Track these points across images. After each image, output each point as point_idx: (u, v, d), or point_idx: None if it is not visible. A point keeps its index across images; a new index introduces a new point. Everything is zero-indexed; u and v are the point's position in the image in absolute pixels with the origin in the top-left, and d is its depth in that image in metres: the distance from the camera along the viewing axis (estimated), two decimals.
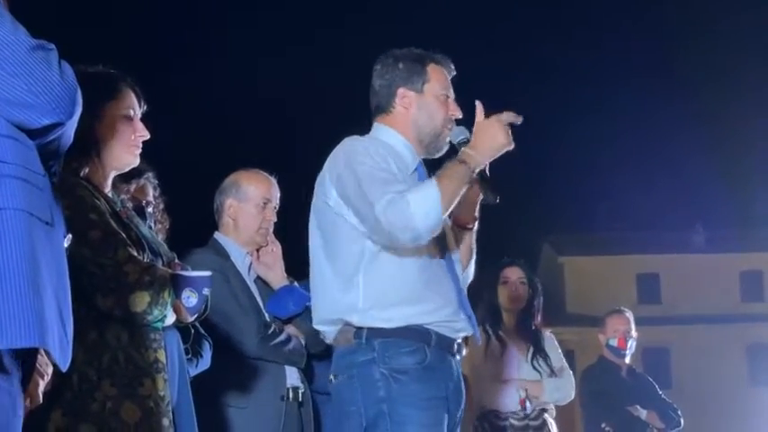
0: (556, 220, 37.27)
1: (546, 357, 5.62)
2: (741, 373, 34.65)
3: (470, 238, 3.63)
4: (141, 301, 2.79)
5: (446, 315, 3.37)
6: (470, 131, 3.39)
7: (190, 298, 2.91)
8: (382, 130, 3.51)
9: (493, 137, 3.29)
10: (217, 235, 4.33)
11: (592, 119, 40.49)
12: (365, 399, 3.31)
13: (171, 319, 2.90)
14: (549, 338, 5.78)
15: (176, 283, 2.88)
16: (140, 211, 3.69)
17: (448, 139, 3.48)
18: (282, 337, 4.07)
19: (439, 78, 3.51)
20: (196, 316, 3.00)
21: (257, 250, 4.27)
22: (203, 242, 4.44)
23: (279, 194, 4.30)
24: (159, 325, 2.88)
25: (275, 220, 4.26)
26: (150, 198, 3.77)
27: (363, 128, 3.62)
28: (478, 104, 3.39)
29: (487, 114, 3.38)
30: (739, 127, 36.71)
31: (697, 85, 39.08)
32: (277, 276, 4.23)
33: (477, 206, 3.57)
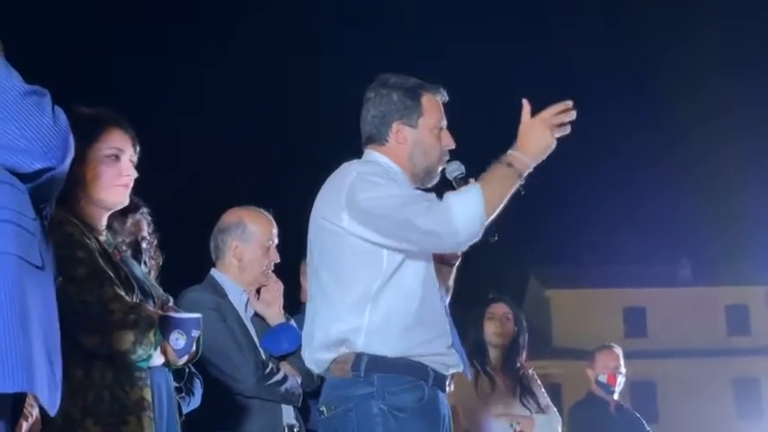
0: (543, 253, 37.30)
1: (533, 395, 5.64)
2: (727, 406, 34.62)
3: (451, 275, 3.61)
4: (125, 340, 2.78)
5: (442, 348, 3.32)
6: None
7: (178, 340, 2.90)
8: (377, 157, 3.45)
9: (538, 137, 3.22)
10: (214, 272, 4.30)
11: (579, 152, 40.58)
12: None
13: (158, 360, 2.89)
14: (533, 376, 5.80)
15: (165, 325, 2.87)
16: (135, 246, 3.69)
17: (440, 169, 3.45)
18: (279, 376, 4.06)
19: (433, 110, 3.45)
20: (186, 358, 2.98)
21: (258, 290, 4.26)
22: (194, 278, 4.44)
23: (277, 232, 4.30)
24: (144, 364, 2.86)
25: (278, 260, 4.25)
26: (145, 234, 3.77)
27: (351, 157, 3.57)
28: (525, 104, 3.28)
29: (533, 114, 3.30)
30: (725, 162, 36.89)
31: (684, 121, 39.25)
32: (275, 314, 4.22)
33: None
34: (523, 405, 5.58)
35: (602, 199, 39.43)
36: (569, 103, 3.26)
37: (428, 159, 3.43)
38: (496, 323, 5.73)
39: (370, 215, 3.23)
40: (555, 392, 30.36)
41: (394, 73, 3.52)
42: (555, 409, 5.75)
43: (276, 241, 4.26)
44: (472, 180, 3.33)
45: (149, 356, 2.85)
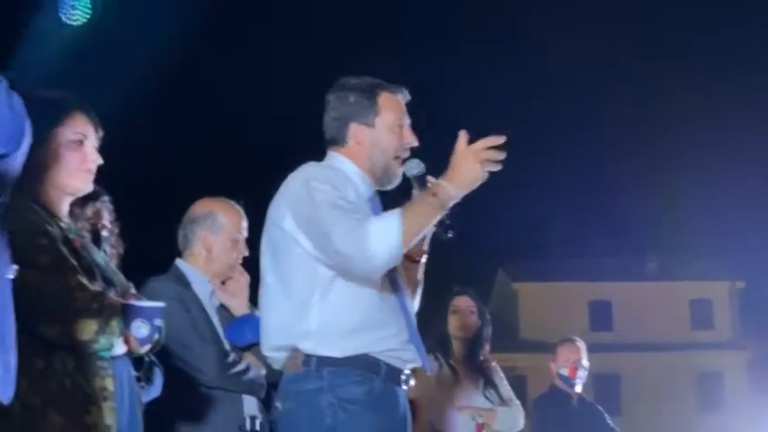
0: (510, 246, 37.42)
1: (496, 387, 5.67)
2: (690, 400, 34.92)
3: (418, 271, 3.61)
4: (88, 329, 2.76)
5: (397, 344, 3.35)
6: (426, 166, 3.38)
7: (140, 329, 2.87)
8: (337, 159, 3.48)
9: (467, 170, 3.18)
10: (179, 262, 4.27)
11: (548, 145, 40.77)
12: (312, 428, 3.29)
13: (120, 349, 2.87)
14: (496, 369, 5.83)
15: (127, 313, 2.85)
16: (96, 235, 3.67)
17: (401, 169, 3.45)
18: (242, 366, 4.03)
19: (392, 108, 3.46)
20: (149, 347, 2.96)
21: (223, 282, 4.24)
22: (159, 268, 4.42)
23: (247, 225, 4.28)
24: (107, 354, 2.84)
25: (247, 253, 4.23)
26: (106, 222, 3.73)
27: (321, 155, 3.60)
28: (462, 134, 3.25)
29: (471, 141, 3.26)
30: (693, 158, 37.13)
31: (652, 115, 39.48)
32: (240, 305, 4.20)
33: (427, 239, 3.53)
34: (486, 398, 5.62)
35: (570, 193, 39.67)
36: (503, 138, 3.23)
37: (387, 158, 3.44)
38: (460, 316, 5.75)
39: (306, 222, 3.29)
40: (520, 385, 30.39)
41: (358, 75, 3.54)
42: (518, 402, 5.78)
43: (246, 234, 4.23)
44: (431, 178, 3.34)
45: (112, 346, 2.84)
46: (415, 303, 3.66)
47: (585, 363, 6.80)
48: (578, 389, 6.81)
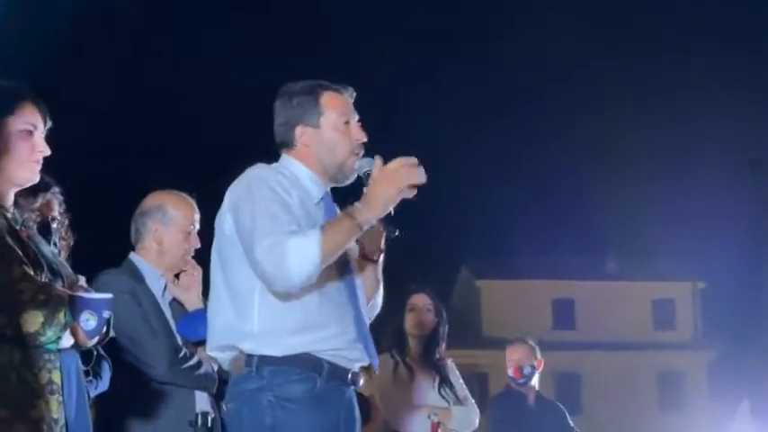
0: (474, 243, 37.53)
1: (451, 386, 5.68)
2: (651, 399, 35.16)
3: (375, 270, 3.60)
4: (34, 320, 2.71)
5: (341, 343, 3.35)
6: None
7: (89, 321, 2.83)
8: (289, 162, 3.51)
9: (382, 192, 3.23)
10: (132, 256, 4.25)
11: (510, 146, 40.89)
12: (253, 427, 3.31)
13: (68, 341, 2.82)
14: (452, 367, 5.83)
15: (74, 305, 2.80)
16: (45, 227, 3.62)
17: (354, 164, 3.46)
18: (193, 361, 4.01)
19: (335, 106, 3.49)
20: (96, 339, 2.92)
21: (176, 275, 4.22)
22: (112, 261, 4.38)
23: (199, 217, 4.26)
24: (53, 346, 2.80)
25: (199, 245, 4.21)
26: (56, 214, 3.71)
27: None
28: (377, 159, 3.32)
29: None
30: (654, 157, 37.38)
31: (614, 116, 39.69)
32: (193, 299, 4.18)
33: (383, 238, 3.54)
34: (441, 396, 5.63)
35: (533, 191, 39.82)
36: (414, 160, 3.26)
37: (335, 156, 3.46)
38: (417, 314, 5.76)
39: (240, 227, 3.34)
40: (482, 382, 30.47)
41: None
42: (473, 401, 5.79)
43: (198, 227, 4.22)
44: None
45: (59, 338, 2.80)
46: (377, 302, 3.67)
47: (535, 361, 6.83)
48: (534, 386, 6.84)
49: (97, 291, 4.09)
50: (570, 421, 6.98)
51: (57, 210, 3.71)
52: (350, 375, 3.40)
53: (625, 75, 42.08)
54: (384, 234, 3.52)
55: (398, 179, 3.23)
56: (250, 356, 3.33)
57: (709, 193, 33.05)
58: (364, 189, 3.41)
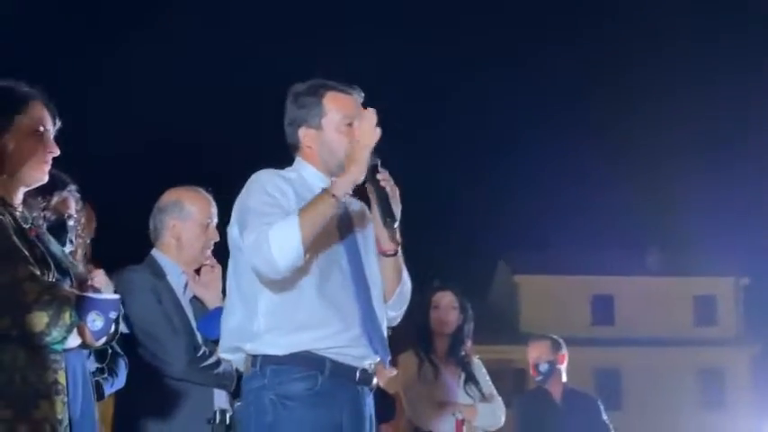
0: (512, 238, 37.36)
1: (477, 383, 5.65)
2: (692, 396, 34.84)
3: (394, 265, 3.55)
4: (39, 321, 2.69)
5: (344, 341, 3.35)
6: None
7: (95, 321, 2.81)
8: (299, 163, 3.55)
9: (358, 152, 3.26)
10: (154, 252, 4.27)
11: (550, 140, 40.70)
12: (256, 425, 3.35)
13: (74, 341, 2.80)
14: (478, 364, 5.80)
15: (81, 306, 2.78)
16: (62, 225, 3.62)
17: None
18: (212, 359, 4.01)
19: (339, 107, 3.48)
20: (104, 340, 2.90)
21: (197, 270, 4.22)
22: (137, 258, 4.38)
23: (216, 211, 4.27)
24: (59, 347, 2.78)
25: (217, 239, 4.21)
26: (72, 211, 3.70)
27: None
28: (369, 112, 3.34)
29: None
30: (697, 152, 37.08)
31: (658, 109, 39.41)
32: (213, 297, 4.18)
33: (397, 232, 3.50)
34: (467, 393, 5.60)
35: (573, 186, 39.60)
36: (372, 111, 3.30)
37: (336, 156, 3.45)
38: (441, 312, 5.74)
39: (238, 229, 3.40)
40: (519, 378, 30.16)
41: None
42: (499, 398, 5.76)
43: (216, 220, 4.24)
44: (383, 169, 3.36)
45: (64, 338, 2.77)
46: (400, 298, 3.60)
47: (553, 357, 6.76)
48: (562, 381, 6.78)
49: (120, 287, 4.11)
50: (604, 415, 6.87)
51: (73, 207, 3.71)
52: (357, 373, 3.39)
53: (667, 67, 41.74)
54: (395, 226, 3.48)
55: (363, 134, 3.26)
56: (255, 356, 3.36)
57: (753, 188, 32.74)
58: (366, 184, 3.39)
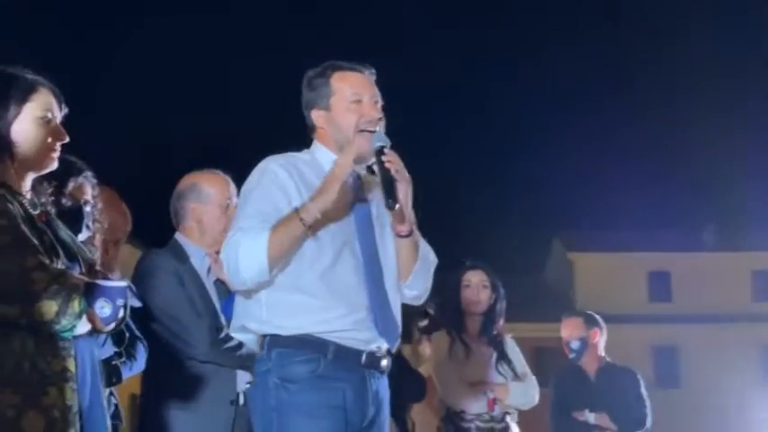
0: (567, 216, 37.16)
1: (510, 362, 5.63)
2: (752, 373, 34.40)
3: (409, 245, 3.53)
4: (48, 310, 2.70)
5: (348, 324, 3.34)
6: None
7: (104, 308, 2.82)
8: (315, 146, 3.57)
9: (327, 183, 3.28)
10: (177, 236, 4.32)
11: (606, 117, 40.32)
12: (261, 408, 3.37)
13: (83, 328, 2.81)
14: (511, 343, 5.77)
15: (90, 293, 2.79)
16: (78, 211, 3.65)
17: (373, 141, 3.42)
18: (235, 341, 4.01)
19: (345, 86, 3.48)
20: (113, 326, 2.93)
21: (218, 252, 4.25)
22: (163, 241, 4.43)
23: (236, 192, 4.30)
24: (68, 334, 2.80)
25: None
26: (89, 197, 3.73)
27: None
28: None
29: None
30: (755, 125, 36.51)
31: (716, 84, 38.87)
32: None
33: (410, 213, 3.47)
34: (499, 372, 5.57)
35: (627, 162, 39.20)
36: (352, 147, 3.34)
37: (343, 135, 3.46)
38: (473, 290, 5.72)
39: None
40: None
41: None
42: (533, 377, 5.73)
43: (235, 200, 4.26)
44: (389, 151, 3.35)
45: (74, 326, 2.79)
46: (417, 279, 3.58)
47: (585, 333, 6.78)
48: (598, 356, 6.79)
49: (140, 270, 4.16)
50: (643, 389, 6.81)
51: (89, 193, 3.73)
52: (363, 357, 3.38)
53: (722, 40, 41.08)
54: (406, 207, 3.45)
55: (336, 167, 3.29)
56: (263, 338, 3.39)
57: None
58: (374, 166, 3.37)
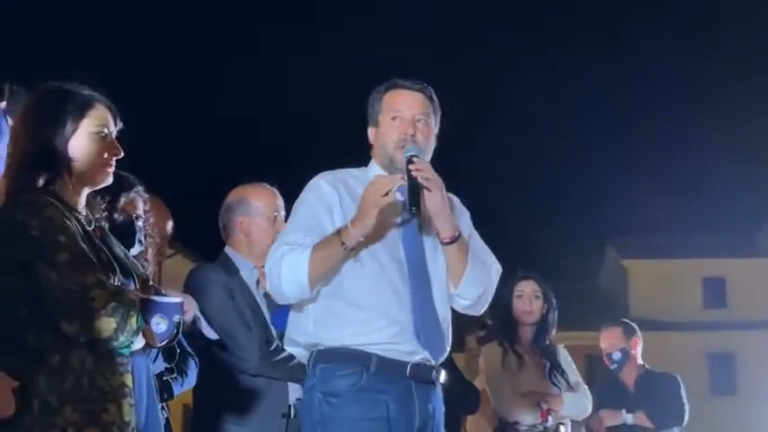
0: (620, 222, 36.86)
1: (563, 372, 5.60)
2: None
3: (456, 252, 3.51)
4: (107, 327, 2.74)
5: (389, 336, 3.36)
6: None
7: (159, 324, 2.85)
8: (371, 163, 3.64)
9: (362, 208, 3.30)
10: (227, 249, 4.35)
11: (661, 123, 40.00)
12: (309, 423, 3.41)
13: (139, 344, 2.85)
14: (564, 353, 5.74)
15: (146, 309, 2.83)
16: (130, 225, 3.67)
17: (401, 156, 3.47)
18: (286, 353, 4.03)
19: (391, 102, 3.56)
20: (166, 342, 2.95)
21: None
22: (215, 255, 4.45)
23: (283, 204, 4.32)
24: (126, 351, 2.84)
25: None
26: (140, 212, 3.75)
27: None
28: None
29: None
30: None
31: (758, 83, 38.39)
32: None
33: (450, 219, 3.47)
34: (553, 383, 5.54)
35: (681, 167, 38.84)
36: (394, 182, 3.32)
37: (385, 151, 3.55)
38: (525, 301, 5.71)
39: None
40: None
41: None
42: (585, 387, 5.69)
43: (283, 213, 4.29)
44: (418, 160, 3.38)
45: (131, 343, 2.82)
46: (466, 288, 3.55)
47: (626, 344, 6.75)
48: (637, 364, 6.74)
49: (191, 284, 4.18)
50: (683, 392, 6.73)
51: (141, 208, 3.77)
52: (408, 368, 3.38)
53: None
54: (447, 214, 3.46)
55: (368, 196, 3.30)
56: (310, 354, 3.44)
57: None
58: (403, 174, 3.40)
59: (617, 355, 6.68)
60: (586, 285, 35.33)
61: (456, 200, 3.69)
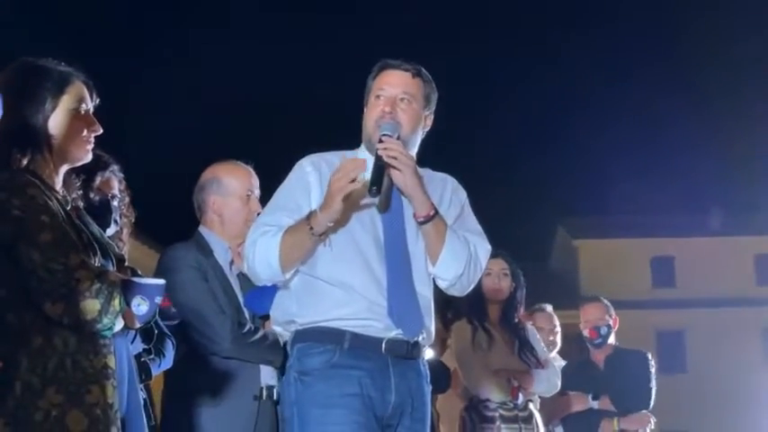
0: (571, 203, 37.19)
1: (532, 349, 5.62)
2: (756, 356, 34.40)
3: (431, 231, 3.49)
4: (92, 308, 2.69)
5: (365, 313, 3.38)
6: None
7: (140, 306, 2.80)
8: (361, 146, 3.60)
9: (329, 197, 3.30)
10: (201, 229, 4.29)
11: (607, 104, 40.31)
12: (286, 402, 3.46)
13: (119, 325, 2.82)
14: (532, 331, 5.77)
15: (127, 290, 2.78)
16: (106, 204, 3.63)
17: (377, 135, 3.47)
18: (258, 335, 4.01)
19: (379, 82, 3.53)
20: (144, 323, 2.91)
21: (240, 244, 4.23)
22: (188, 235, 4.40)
23: (258, 182, 4.27)
24: (109, 333, 2.79)
25: (260, 210, 4.20)
26: (116, 191, 3.71)
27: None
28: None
29: None
30: (756, 110, 36.45)
31: (714, 65, 38.79)
32: None
33: (423, 198, 3.45)
34: (522, 360, 5.56)
35: (630, 148, 39.19)
36: (359, 164, 3.31)
37: (366, 129, 3.54)
38: (494, 279, 5.71)
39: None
40: (581, 342, 30.12)
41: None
42: (555, 364, 5.74)
43: (258, 192, 4.23)
44: (387, 138, 3.38)
45: (114, 324, 2.78)
46: (444, 265, 3.52)
47: (609, 321, 6.69)
48: (610, 344, 6.69)
49: (164, 264, 4.12)
50: (651, 369, 6.70)
51: (117, 187, 3.72)
52: (384, 344, 3.39)
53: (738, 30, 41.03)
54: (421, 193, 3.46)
55: (333, 182, 3.29)
56: (291, 334, 3.49)
57: None
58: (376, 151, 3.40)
59: (604, 330, 6.65)
60: (537, 266, 35.56)
61: (450, 180, 3.68)
